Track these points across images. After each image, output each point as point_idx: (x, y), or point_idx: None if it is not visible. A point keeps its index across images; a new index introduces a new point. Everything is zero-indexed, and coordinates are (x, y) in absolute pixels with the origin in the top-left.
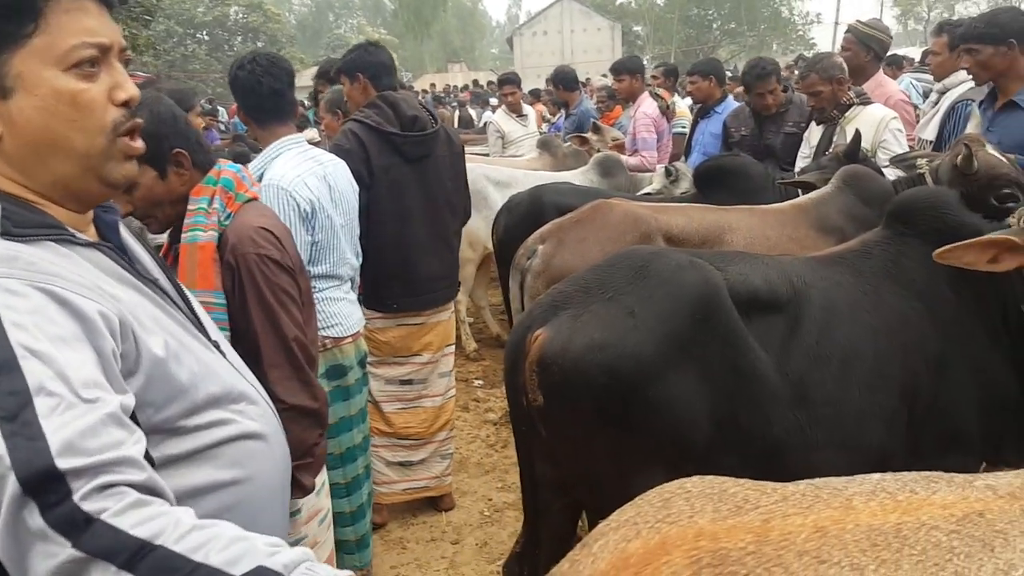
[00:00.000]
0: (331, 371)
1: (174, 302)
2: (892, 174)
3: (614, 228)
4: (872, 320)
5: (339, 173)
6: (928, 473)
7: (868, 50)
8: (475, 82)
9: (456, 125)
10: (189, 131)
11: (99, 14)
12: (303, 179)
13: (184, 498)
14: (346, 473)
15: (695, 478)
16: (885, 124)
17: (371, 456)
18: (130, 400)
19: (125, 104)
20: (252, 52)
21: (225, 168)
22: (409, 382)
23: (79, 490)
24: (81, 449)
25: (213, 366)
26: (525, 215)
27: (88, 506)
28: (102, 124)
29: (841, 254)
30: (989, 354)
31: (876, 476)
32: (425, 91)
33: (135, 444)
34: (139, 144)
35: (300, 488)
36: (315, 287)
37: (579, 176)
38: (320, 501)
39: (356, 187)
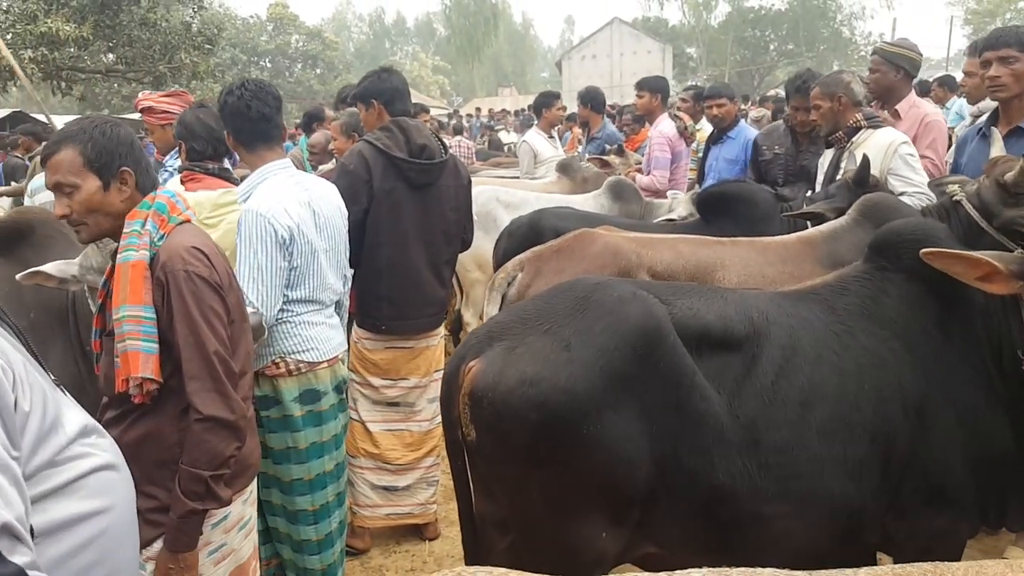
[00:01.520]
0: (304, 395)
1: (19, 339)
2: (911, 202)
3: (593, 260)
4: (840, 361)
5: (326, 198)
6: (773, 574)
7: (897, 70)
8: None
9: (487, 147)
10: (142, 157)
11: None
12: (283, 205)
13: (56, 531)
14: (314, 500)
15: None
16: (894, 149)
17: (356, 478)
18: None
19: None
20: (241, 79)
21: (160, 194)
22: (396, 404)
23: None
24: None
25: (62, 403)
26: (524, 239)
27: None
28: None
29: (815, 289)
30: (981, 403)
31: None
32: (470, 115)
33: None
34: None
35: (215, 499)
36: (293, 311)
37: (590, 200)
38: (244, 509)
39: (345, 212)
